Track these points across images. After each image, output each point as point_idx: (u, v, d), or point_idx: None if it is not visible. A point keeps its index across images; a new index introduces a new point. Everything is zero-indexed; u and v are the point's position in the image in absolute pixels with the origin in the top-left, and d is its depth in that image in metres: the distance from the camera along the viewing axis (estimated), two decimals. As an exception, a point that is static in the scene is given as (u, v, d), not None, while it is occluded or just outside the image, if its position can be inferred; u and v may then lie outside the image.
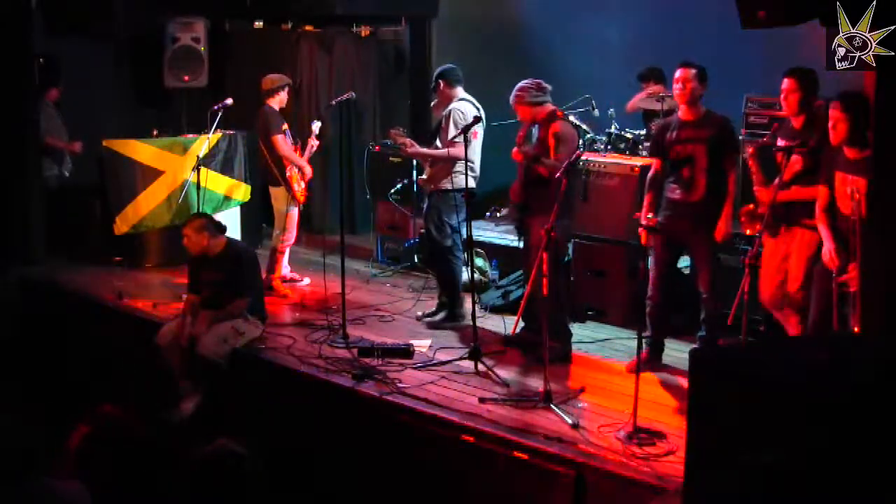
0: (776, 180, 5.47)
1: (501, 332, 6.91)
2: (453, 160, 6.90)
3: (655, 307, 6.19)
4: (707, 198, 5.97)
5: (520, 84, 6.38)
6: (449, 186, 7.02)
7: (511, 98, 6.40)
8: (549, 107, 6.36)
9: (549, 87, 6.38)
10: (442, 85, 7.09)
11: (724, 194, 6.01)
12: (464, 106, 7.00)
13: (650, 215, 5.98)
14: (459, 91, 7.12)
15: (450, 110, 7.00)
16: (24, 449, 3.50)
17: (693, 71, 6.04)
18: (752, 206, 5.82)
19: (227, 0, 10.12)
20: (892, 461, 3.42)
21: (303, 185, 8.00)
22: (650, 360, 6.14)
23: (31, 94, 9.03)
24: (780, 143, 5.64)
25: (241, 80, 9.86)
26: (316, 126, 8.13)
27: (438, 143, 7.13)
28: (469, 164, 6.85)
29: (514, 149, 6.36)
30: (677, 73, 6.09)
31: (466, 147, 6.43)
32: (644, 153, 7.55)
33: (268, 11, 10.08)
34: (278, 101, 7.97)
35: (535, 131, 6.51)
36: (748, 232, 5.81)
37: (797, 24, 4.78)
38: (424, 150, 7.23)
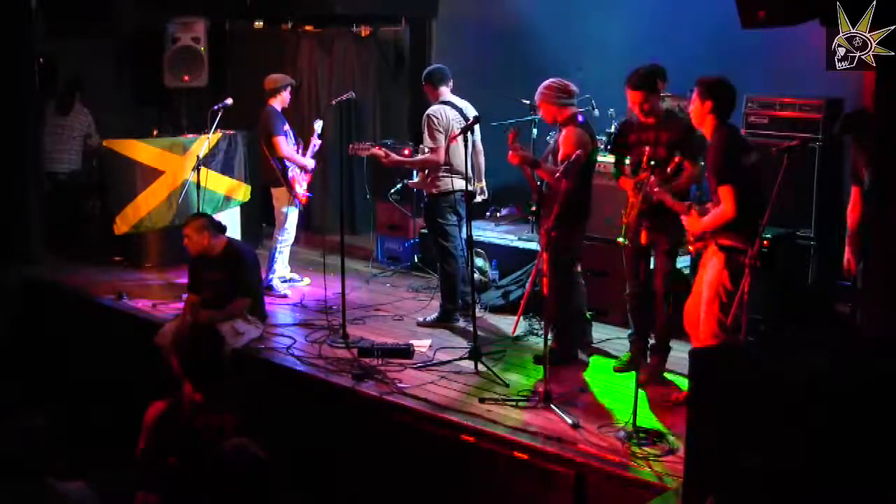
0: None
1: (502, 332, 6.95)
2: (433, 165, 6.91)
3: (633, 302, 6.15)
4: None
5: (547, 82, 6.29)
6: (434, 190, 7.05)
7: (536, 95, 6.33)
8: (571, 110, 6.27)
9: (575, 90, 6.29)
10: (426, 87, 7.15)
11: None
12: (439, 110, 6.99)
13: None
14: (443, 92, 7.11)
15: (426, 115, 7.01)
16: (32, 449, 3.51)
17: (641, 94, 5.87)
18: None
19: (227, 0, 10.13)
20: (892, 460, 3.42)
21: (304, 185, 8.00)
22: (639, 358, 6.08)
23: (32, 95, 9.03)
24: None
25: (241, 80, 9.87)
26: (318, 125, 8.13)
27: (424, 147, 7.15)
28: (452, 167, 6.85)
29: (510, 152, 6.20)
30: (628, 95, 5.94)
31: (467, 147, 6.41)
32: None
33: (268, 11, 10.08)
34: (280, 100, 7.97)
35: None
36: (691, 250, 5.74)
37: (797, 24, 4.77)
38: (401, 158, 7.32)
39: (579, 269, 6.59)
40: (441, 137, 6.87)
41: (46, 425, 3.60)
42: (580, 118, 6.30)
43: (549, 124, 6.58)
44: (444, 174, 6.94)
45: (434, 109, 6.99)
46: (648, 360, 6.15)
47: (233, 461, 3.34)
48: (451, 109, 7.01)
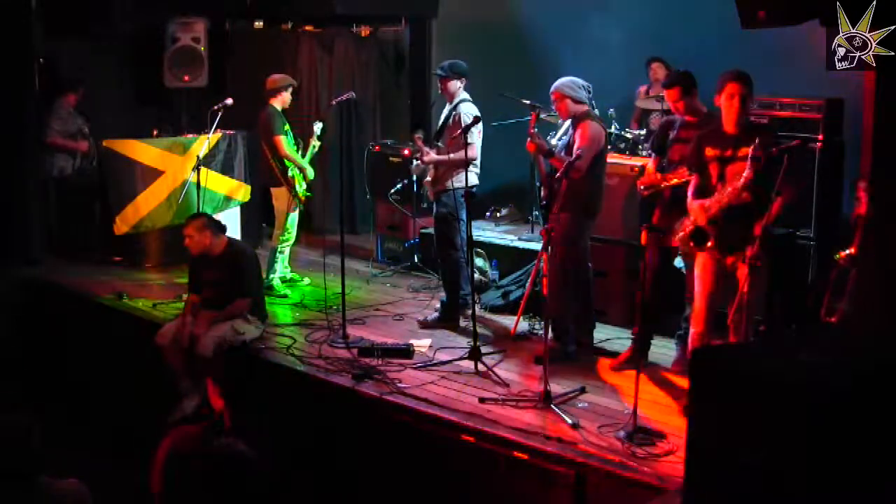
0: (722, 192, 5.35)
1: (502, 332, 6.96)
2: (468, 161, 6.85)
3: (645, 303, 6.15)
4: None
5: (566, 78, 6.35)
6: (451, 185, 7.03)
7: (552, 88, 6.35)
8: (586, 107, 6.33)
9: (590, 89, 6.35)
10: (464, 81, 7.07)
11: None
12: (469, 108, 7.00)
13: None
14: (461, 89, 7.12)
15: (459, 113, 6.98)
16: (26, 449, 3.50)
17: (678, 90, 5.98)
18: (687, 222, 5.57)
19: (227, 0, 10.13)
20: (892, 460, 3.42)
21: (304, 185, 8.01)
22: (636, 357, 6.08)
23: (32, 95, 9.03)
24: (710, 151, 5.46)
25: (241, 80, 9.87)
26: (318, 127, 8.13)
27: (441, 142, 7.12)
28: (473, 161, 6.86)
29: (528, 140, 6.29)
30: (664, 94, 6.11)
31: (467, 145, 6.43)
32: (644, 153, 7.56)
33: (268, 11, 10.09)
34: (281, 101, 7.97)
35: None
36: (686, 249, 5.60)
37: (797, 24, 4.78)
38: (442, 157, 7.10)
39: (590, 266, 6.60)
40: (476, 134, 6.82)
41: (39, 425, 3.59)
42: (594, 113, 6.34)
43: (564, 119, 6.61)
44: (462, 169, 6.90)
45: (469, 108, 6.98)
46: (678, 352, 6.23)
47: (220, 461, 3.31)
48: (473, 107, 7.01)
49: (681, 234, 5.52)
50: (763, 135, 5.33)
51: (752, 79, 5.40)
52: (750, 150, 5.21)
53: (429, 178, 7.28)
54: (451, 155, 6.96)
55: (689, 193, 5.61)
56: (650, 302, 5.98)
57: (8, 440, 3.51)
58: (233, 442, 3.37)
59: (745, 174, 5.21)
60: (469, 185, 6.85)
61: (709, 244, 5.40)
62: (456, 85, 7.07)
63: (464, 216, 7.00)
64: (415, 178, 8.47)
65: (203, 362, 6.45)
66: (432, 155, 7.18)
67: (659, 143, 6.28)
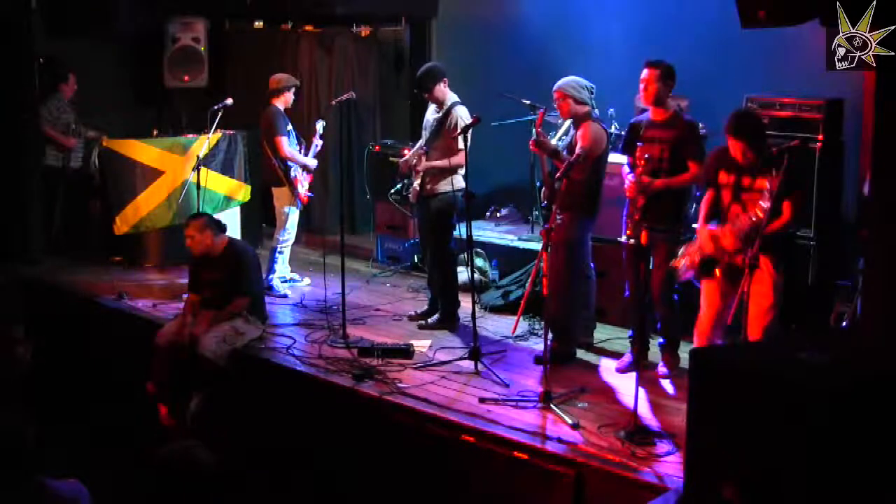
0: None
1: (502, 332, 6.95)
2: (461, 166, 6.82)
3: (634, 304, 6.13)
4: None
5: (569, 77, 6.32)
6: (449, 188, 7.00)
7: (555, 87, 6.31)
8: (588, 108, 6.30)
9: (593, 90, 6.33)
10: (446, 81, 7.01)
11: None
12: (464, 111, 6.95)
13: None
14: (447, 90, 7.09)
15: (455, 117, 6.92)
16: (23, 449, 3.50)
17: (657, 72, 5.99)
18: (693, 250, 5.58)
19: (227, 0, 10.13)
20: (892, 461, 3.42)
21: (306, 185, 8.01)
22: (637, 358, 6.08)
23: (32, 95, 9.03)
24: (724, 177, 5.49)
25: (241, 80, 9.88)
26: (320, 125, 8.13)
27: (430, 147, 7.06)
28: (460, 166, 6.85)
29: (531, 140, 6.26)
30: (642, 74, 6.06)
31: (467, 147, 6.42)
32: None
33: (268, 11, 10.09)
34: (284, 101, 7.97)
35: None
36: (699, 278, 5.60)
37: (797, 24, 4.77)
38: (436, 163, 7.03)
39: (591, 265, 6.60)
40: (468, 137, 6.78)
41: (37, 425, 3.59)
42: (595, 114, 6.33)
43: (564, 119, 6.60)
44: (458, 172, 6.88)
45: (464, 111, 6.92)
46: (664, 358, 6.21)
47: (173, 465, 3.22)
48: (466, 109, 6.96)
49: (683, 260, 5.53)
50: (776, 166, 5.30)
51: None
52: (767, 183, 5.24)
53: (416, 185, 7.18)
54: (448, 160, 6.93)
55: (702, 215, 5.62)
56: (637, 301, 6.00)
57: (6, 441, 3.50)
58: (189, 446, 3.26)
59: (761, 210, 5.22)
60: (457, 189, 6.85)
61: (717, 272, 5.40)
62: (441, 89, 7.02)
63: (460, 218, 6.99)
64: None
65: (203, 362, 6.45)
66: (424, 163, 7.08)
67: (628, 143, 6.25)
